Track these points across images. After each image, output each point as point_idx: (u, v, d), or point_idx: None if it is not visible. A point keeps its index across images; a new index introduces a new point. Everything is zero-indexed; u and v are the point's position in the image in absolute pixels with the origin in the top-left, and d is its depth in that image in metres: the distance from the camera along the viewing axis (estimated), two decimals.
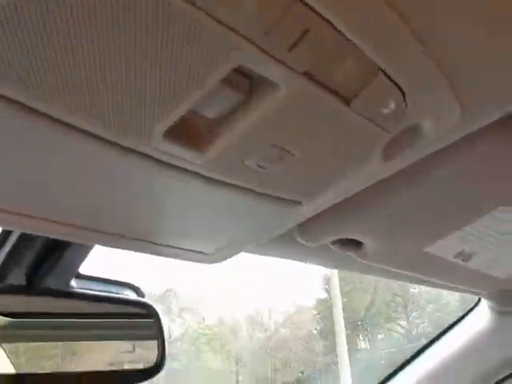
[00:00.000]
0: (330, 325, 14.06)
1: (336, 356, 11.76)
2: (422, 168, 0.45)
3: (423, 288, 28.59)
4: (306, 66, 0.33)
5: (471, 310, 1.00)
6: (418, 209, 0.50)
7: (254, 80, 0.35)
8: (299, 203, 0.45)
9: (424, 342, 1.16)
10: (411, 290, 30.30)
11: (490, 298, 0.89)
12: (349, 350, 12.22)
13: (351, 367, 12.24)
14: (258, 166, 0.37)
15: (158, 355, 0.51)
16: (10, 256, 0.59)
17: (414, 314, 24.71)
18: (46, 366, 0.51)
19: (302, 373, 25.55)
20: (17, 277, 0.57)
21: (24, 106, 0.32)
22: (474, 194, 0.50)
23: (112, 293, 0.59)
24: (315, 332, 32.55)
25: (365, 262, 0.58)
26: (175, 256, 0.52)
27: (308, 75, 0.34)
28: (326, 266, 0.72)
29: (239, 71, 0.34)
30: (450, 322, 1.09)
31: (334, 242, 0.54)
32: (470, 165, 0.46)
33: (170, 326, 36.87)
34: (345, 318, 12.47)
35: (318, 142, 0.37)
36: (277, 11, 0.28)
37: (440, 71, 0.36)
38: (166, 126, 0.35)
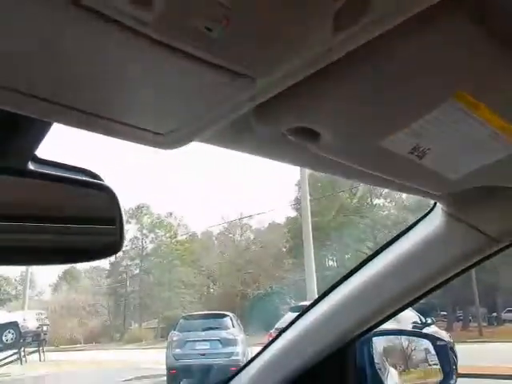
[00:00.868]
0: (300, 243, 14.25)
1: (304, 273, 11.93)
2: (375, 55, 0.47)
3: (392, 210, 29.96)
4: None
5: (425, 215, 1.00)
6: (373, 100, 0.53)
7: None
8: (252, 79, 0.46)
9: None
10: (379, 212, 31.58)
11: (443, 201, 0.89)
12: (316, 267, 12.51)
13: (317, 283, 12.65)
14: (206, 28, 0.39)
15: (117, 236, 0.53)
16: None
17: (380, 235, 25.75)
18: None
19: (271, 287, 26.90)
20: None
21: None
22: (427, 84, 0.52)
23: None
24: (284, 250, 33.94)
25: (320, 154, 0.60)
26: (127, 136, 0.52)
27: None
28: (282, 160, 0.70)
29: None
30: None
31: (289, 131, 0.56)
32: (423, 50, 0.47)
33: (143, 241, 37.81)
34: (314, 238, 12.57)
35: (266, 4, 0.39)
36: None
37: None
38: None
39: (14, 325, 13.67)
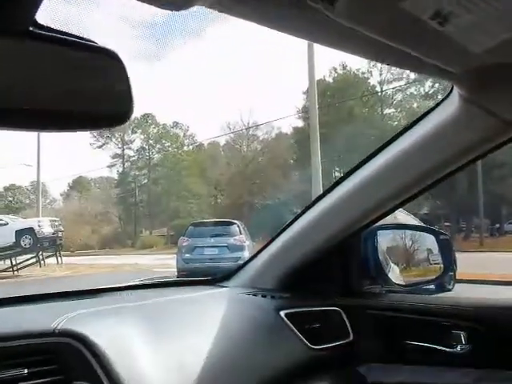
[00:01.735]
0: (307, 155, 14.11)
1: (311, 185, 11.97)
2: None
3: (402, 121, 29.28)
4: None
5: (441, 101, 0.94)
6: None
7: None
8: None
9: None
10: (389, 123, 30.94)
11: (461, 83, 0.81)
12: (323, 179, 12.52)
13: None
14: None
15: (125, 105, 0.52)
16: None
17: None
18: None
19: (278, 198, 27.40)
20: None
21: None
22: None
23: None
24: (292, 161, 33.99)
25: (335, 22, 0.57)
26: None
27: None
28: (291, 31, 0.65)
29: None
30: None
31: None
32: None
33: (150, 151, 37.94)
34: (322, 150, 12.40)
35: None
36: None
37: None
38: None
39: (30, 230, 14.24)
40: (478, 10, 0.56)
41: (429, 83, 27.43)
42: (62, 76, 0.58)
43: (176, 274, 9.63)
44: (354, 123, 26.08)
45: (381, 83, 30.22)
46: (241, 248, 9.27)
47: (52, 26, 0.57)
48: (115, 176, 38.67)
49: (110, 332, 0.73)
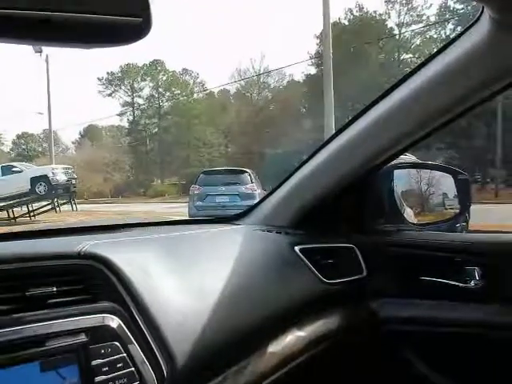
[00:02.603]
0: (320, 103, 13.77)
1: (323, 134, 11.77)
2: None
3: None
4: None
5: (470, 26, 0.88)
6: None
7: None
8: None
9: None
10: (406, 70, 29.67)
11: (492, 4, 0.77)
12: (336, 128, 12.29)
13: None
14: None
15: (143, 21, 0.48)
16: None
17: None
18: None
19: (290, 147, 27.14)
20: None
21: None
22: None
23: None
24: (304, 110, 33.25)
25: None
26: None
27: None
28: None
29: None
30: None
31: None
32: None
33: (160, 99, 37.36)
34: (335, 99, 12.04)
35: None
36: None
37: None
38: None
39: (44, 178, 14.45)
40: None
41: (450, 25, 26.07)
42: None
43: None
44: (368, 70, 25.16)
45: (399, 26, 28.87)
46: (252, 196, 9.32)
47: None
48: (126, 125, 38.53)
49: (134, 258, 0.75)
